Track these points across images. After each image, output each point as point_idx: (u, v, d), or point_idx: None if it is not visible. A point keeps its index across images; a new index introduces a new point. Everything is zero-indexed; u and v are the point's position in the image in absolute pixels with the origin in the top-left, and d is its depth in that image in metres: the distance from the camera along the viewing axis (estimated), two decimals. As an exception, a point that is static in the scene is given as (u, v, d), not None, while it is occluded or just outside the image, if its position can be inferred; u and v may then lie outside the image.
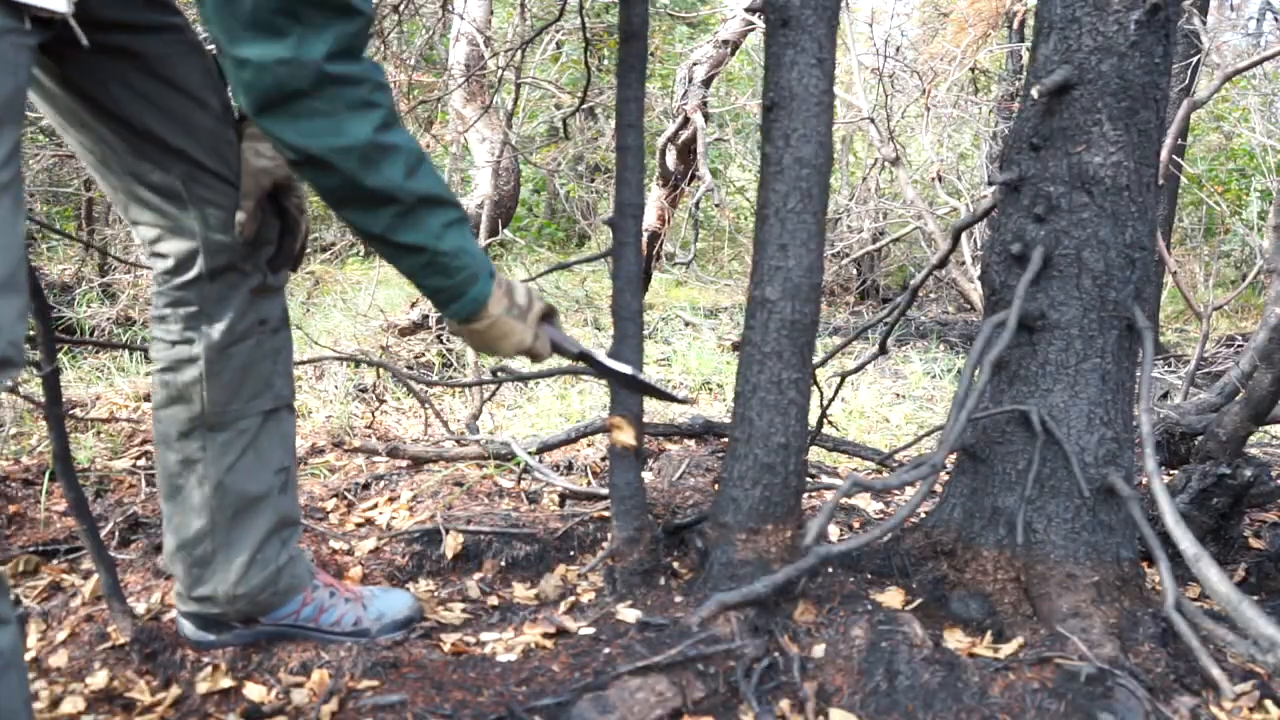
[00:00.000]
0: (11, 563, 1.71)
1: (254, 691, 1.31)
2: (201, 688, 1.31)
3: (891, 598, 1.52)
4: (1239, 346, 5.21)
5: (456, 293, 1.25)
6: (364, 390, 3.43)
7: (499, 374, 2.02)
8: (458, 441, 2.48)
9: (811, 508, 1.98)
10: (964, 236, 4.34)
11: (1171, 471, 2.26)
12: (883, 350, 2.12)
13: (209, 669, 1.35)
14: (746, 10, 4.83)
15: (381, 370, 3.51)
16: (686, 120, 4.81)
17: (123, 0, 1.18)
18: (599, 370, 1.47)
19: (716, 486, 2.04)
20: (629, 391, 1.53)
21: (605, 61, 7.40)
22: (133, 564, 1.69)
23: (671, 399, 1.55)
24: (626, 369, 1.48)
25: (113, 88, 1.23)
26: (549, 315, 1.39)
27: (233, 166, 1.35)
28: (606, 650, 1.34)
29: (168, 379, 1.39)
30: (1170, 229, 4.76)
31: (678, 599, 1.47)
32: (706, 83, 4.86)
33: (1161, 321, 6.08)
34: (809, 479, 2.21)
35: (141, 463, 2.33)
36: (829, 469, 2.50)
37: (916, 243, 7.37)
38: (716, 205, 6.25)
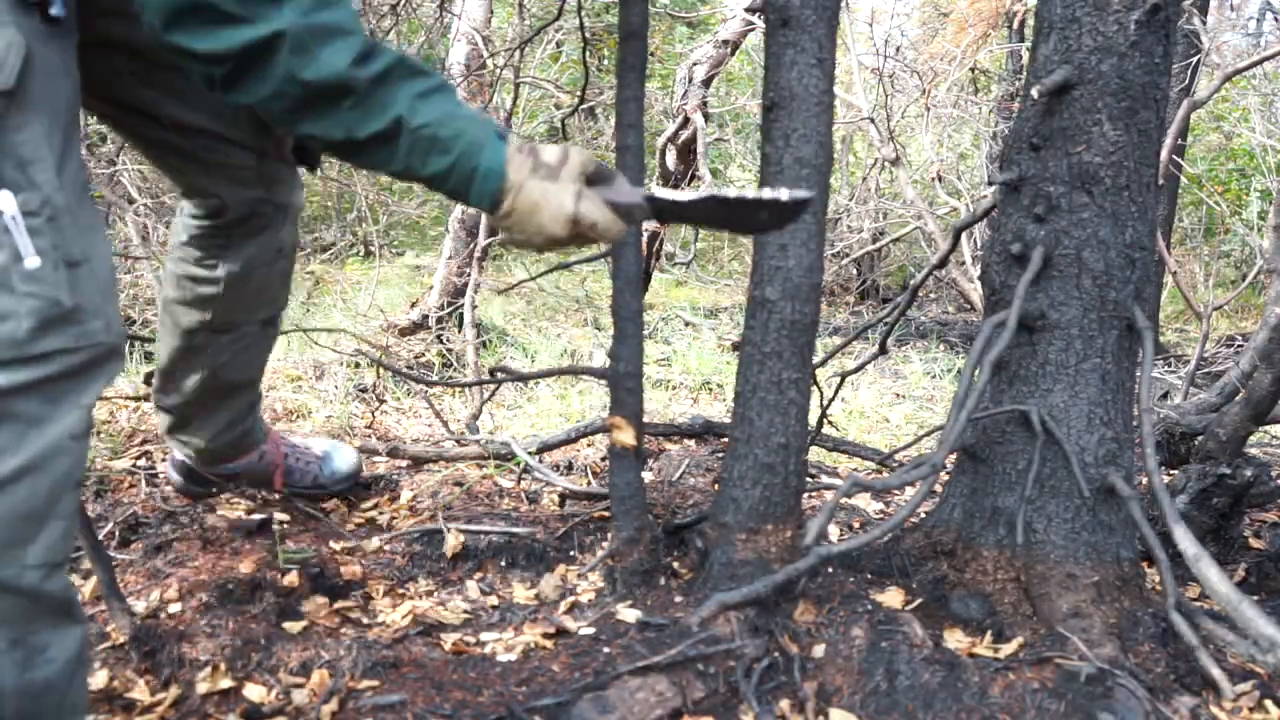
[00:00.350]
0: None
1: (254, 691, 1.30)
2: (201, 688, 1.31)
3: (891, 598, 1.52)
4: (1239, 346, 5.21)
5: (466, 167, 1.06)
6: (364, 390, 3.43)
7: (498, 374, 2.02)
8: (458, 441, 2.48)
9: (811, 508, 1.98)
10: (964, 236, 4.34)
11: (1171, 471, 2.26)
12: (883, 350, 2.12)
13: (209, 669, 1.35)
14: (746, 10, 4.84)
15: (381, 370, 3.51)
16: (686, 120, 4.81)
17: None
18: (712, 205, 1.10)
19: (716, 486, 2.04)
20: (756, 217, 1.12)
21: (605, 61, 7.41)
22: (132, 564, 1.69)
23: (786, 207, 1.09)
24: (749, 194, 1.10)
25: (116, 78, 1.27)
26: (599, 177, 1.14)
27: (242, 128, 1.43)
28: (606, 650, 1.34)
29: (186, 285, 1.55)
30: (1170, 229, 4.77)
31: (678, 599, 1.47)
32: (706, 83, 4.87)
33: (1161, 321, 6.08)
34: (809, 479, 2.21)
35: (141, 463, 2.33)
36: (829, 469, 2.50)
37: (916, 243, 7.38)
38: (716, 205, 6.24)
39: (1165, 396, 3.73)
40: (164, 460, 1.92)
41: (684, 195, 1.12)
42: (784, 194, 1.08)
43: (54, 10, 0.96)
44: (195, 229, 1.52)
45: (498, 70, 4.46)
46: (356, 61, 0.99)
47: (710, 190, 1.22)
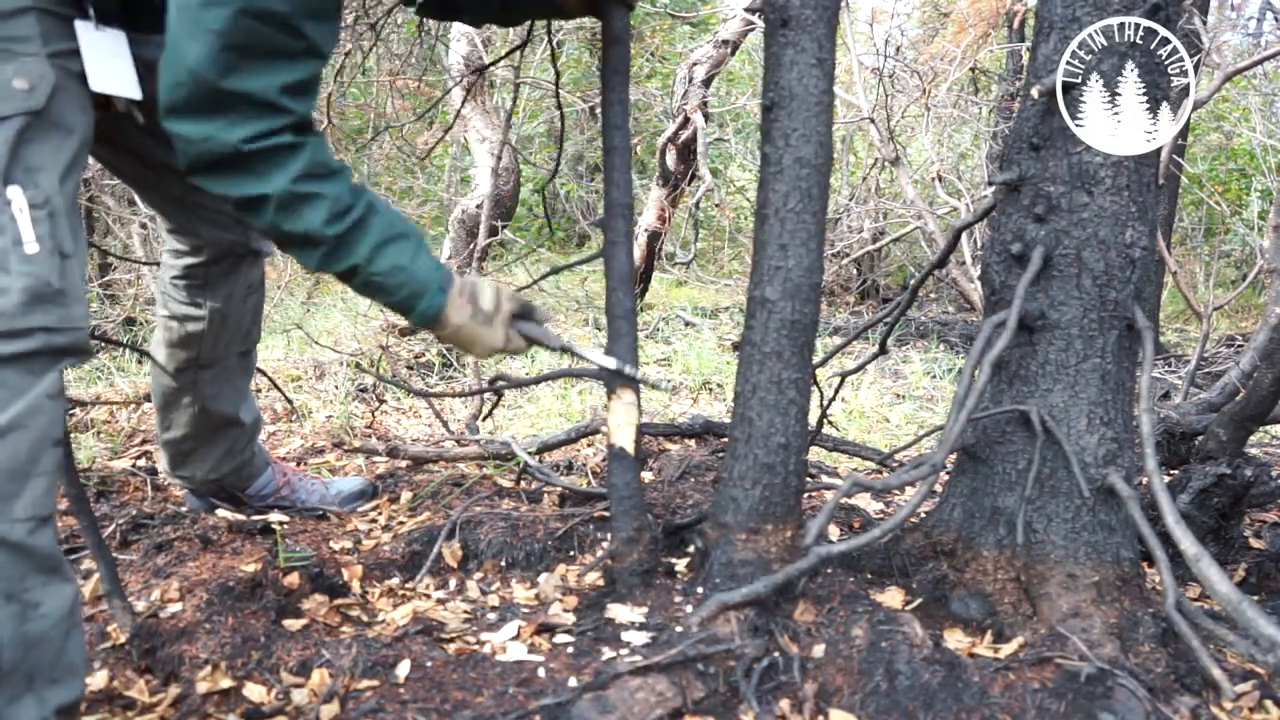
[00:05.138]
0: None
1: (254, 691, 1.30)
2: (201, 688, 1.31)
3: (891, 598, 1.52)
4: (1239, 346, 5.21)
5: (406, 307, 1.34)
6: (364, 390, 3.43)
7: (497, 382, 2.03)
8: (458, 442, 2.48)
9: (811, 508, 1.98)
10: (964, 236, 4.34)
11: (1171, 471, 2.26)
12: (883, 350, 2.12)
13: (208, 668, 1.35)
14: (746, 10, 4.84)
15: (381, 371, 3.51)
16: (686, 120, 4.80)
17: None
18: (585, 362, 1.53)
19: (716, 487, 2.04)
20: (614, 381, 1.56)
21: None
22: (133, 564, 1.69)
23: (656, 388, 1.59)
24: (610, 362, 1.53)
25: (126, 129, 1.46)
26: (524, 313, 1.48)
27: None
28: (606, 650, 1.34)
29: (174, 325, 1.74)
30: (1170, 229, 4.76)
31: (678, 599, 1.47)
32: (706, 83, 4.86)
33: (1161, 321, 6.08)
34: (809, 479, 2.21)
35: (141, 463, 2.33)
36: (829, 469, 2.50)
37: (916, 243, 7.37)
38: (716, 205, 6.25)
39: (1165, 396, 3.73)
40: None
41: (588, 353, 1.52)
42: (664, 384, 1.60)
43: (75, 67, 1.20)
44: (177, 270, 1.71)
45: (497, 70, 4.46)
46: (329, 220, 1.23)
47: (614, 363, 1.53)
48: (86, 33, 1.22)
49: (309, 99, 1.22)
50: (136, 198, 1.78)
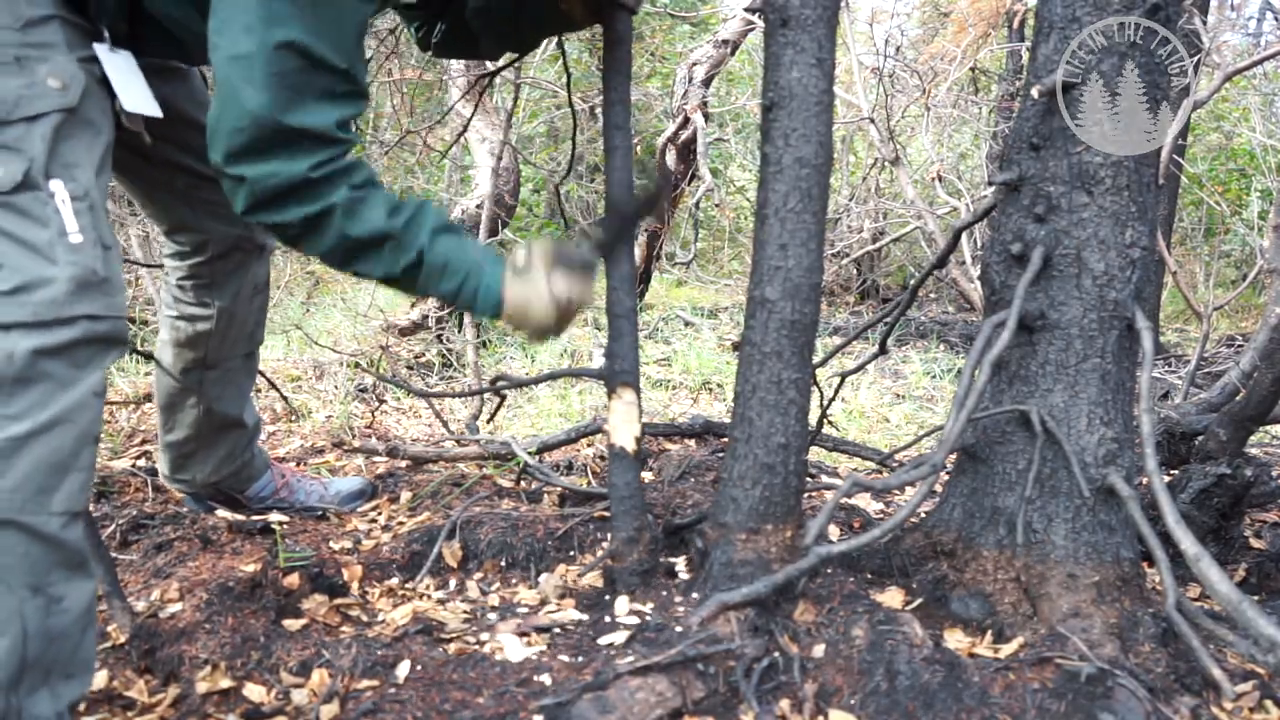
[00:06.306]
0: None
1: (254, 691, 1.30)
2: (201, 688, 1.31)
3: (891, 598, 1.52)
4: (1239, 346, 5.21)
5: (471, 286, 1.34)
6: (364, 390, 3.43)
7: (497, 382, 2.03)
8: (458, 442, 2.48)
9: (811, 508, 1.98)
10: (964, 236, 4.34)
11: (1171, 471, 2.26)
12: (883, 350, 2.12)
13: (208, 668, 1.35)
14: (746, 10, 4.84)
15: (381, 371, 3.51)
16: (686, 120, 4.80)
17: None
18: (610, 237, 1.51)
19: (716, 486, 2.04)
20: (636, 219, 1.56)
21: (605, 62, 7.37)
22: (133, 564, 1.69)
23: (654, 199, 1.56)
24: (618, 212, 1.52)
25: (124, 133, 1.43)
26: (559, 255, 1.42)
27: None
28: (606, 651, 1.34)
29: (181, 325, 1.75)
30: (1170, 229, 4.76)
31: (678, 599, 1.47)
32: (706, 83, 4.86)
33: (1161, 321, 6.08)
34: (809, 479, 2.21)
35: (141, 464, 2.33)
36: (829, 469, 2.50)
37: (916, 243, 7.38)
38: (716, 205, 6.25)
39: (1165, 396, 3.73)
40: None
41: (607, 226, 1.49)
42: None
43: (97, 72, 1.25)
44: (183, 270, 1.71)
45: (497, 69, 4.45)
46: (389, 215, 1.29)
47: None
48: (104, 54, 1.26)
49: (352, 134, 1.29)
50: (135, 202, 1.77)
